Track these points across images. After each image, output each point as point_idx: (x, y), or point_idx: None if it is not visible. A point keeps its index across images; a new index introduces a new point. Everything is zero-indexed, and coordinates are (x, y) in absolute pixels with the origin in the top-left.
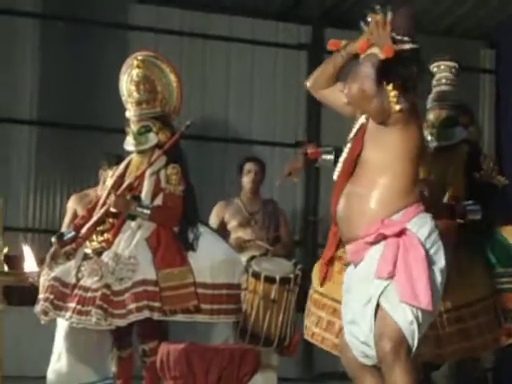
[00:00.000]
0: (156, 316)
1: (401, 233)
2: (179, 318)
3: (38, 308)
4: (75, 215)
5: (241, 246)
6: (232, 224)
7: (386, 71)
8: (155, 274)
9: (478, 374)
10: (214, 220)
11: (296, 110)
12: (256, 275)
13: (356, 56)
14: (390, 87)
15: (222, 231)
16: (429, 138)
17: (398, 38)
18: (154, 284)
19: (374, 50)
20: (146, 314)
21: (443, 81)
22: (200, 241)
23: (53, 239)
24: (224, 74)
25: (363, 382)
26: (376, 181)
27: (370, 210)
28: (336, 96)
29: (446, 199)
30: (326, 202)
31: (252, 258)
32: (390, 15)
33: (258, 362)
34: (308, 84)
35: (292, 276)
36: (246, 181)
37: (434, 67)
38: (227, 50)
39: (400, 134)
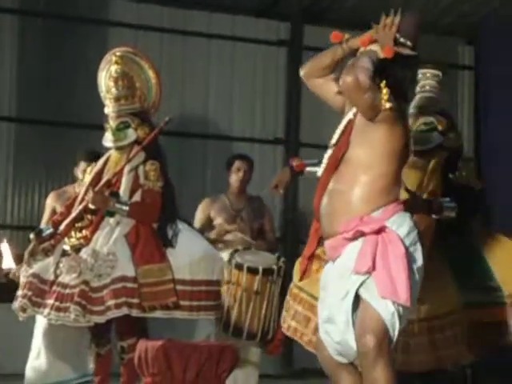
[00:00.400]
0: (135, 312)
1: (380, 230)
2: (158, 314)
3: (16, 305)
4: (54, 212)
5: (220, 234)
6: (218, 221)
7: (382, 69)
8: (134, 270)
9: (457, 370)
10: (200, 216)
11: (275, 107)
12: (239, 267)
13: (356, 51)
14: (383, 85)
15: (208, 227)
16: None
17: (402, 40)
18: (133, 280)
19: (375, 47)
20: (124, 310)
21: (427, 88)
22: (179, 237)
23: (31, 236)
24: (204, 70)
25: (340, 379)
26: (358, 178)
27: (351, 207)
28: (328, 86)
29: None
30: (304, 199)
31: (235, 250)
32: (398, 18)
33: (237, 358)
34: (302, 71)
35: (275, 267)
36: (235, 179)
37: (419, 74)
38: (207, 46)
39: (387, 132)
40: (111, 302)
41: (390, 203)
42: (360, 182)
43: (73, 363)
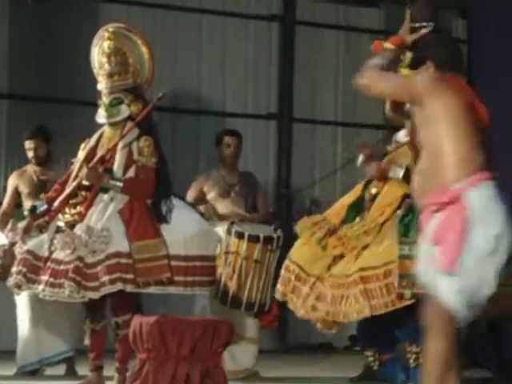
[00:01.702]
0: (129, 288)
1: (456, 200)
2: (152, 290)
3: (10, 281)
4: (16, 192)
5: (208, 213)
6: (211, 195)
7: (420, 55)
8: (128, 246)
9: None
10: (192, 192)
11: (268, 82)
12: (240, 235)
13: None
14: (404, 68)
15: (201, 202)
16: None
17: (417, 25)
18: (127, 256)
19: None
20: (119, 286)
21: None
22: (173, 213)
23: (25, 212)
24: (196, 45)
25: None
26: (433, 156)
27: (434, 182)
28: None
29: None
30: (298, 174)
31: (232, 222)
32: (408, 11)
33: (232, 334)
34: (363, 82)
35: (275, 236)
36: (225, 154)
37: None
38: (199, 21)
39: (436, 105)
40: (105, 278)
41: (471, 173)
42: (437, 157)
43: (64, 336)
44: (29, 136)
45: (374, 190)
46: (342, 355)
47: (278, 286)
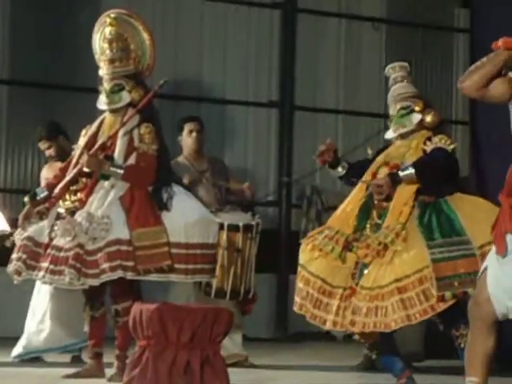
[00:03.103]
0: (129, 275)
1: None
2: (153, 277)
3: (10, 268)
4: None
5: None
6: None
7: None
8: (129, 233)
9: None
10: None
11: (270, 70)
12: (219, 226)
13: None
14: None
15: None
16: (389, 131)
17: None
18: (128, 243)
19: None
20: (119, 273)
21: (399, 79)
22: (174, 200)
23: (25, 199)
24: (197, 32)
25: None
26: None
27: None
28: (500, 89)
29: None
30: (299, 162)
31: (210, 212)
32: None
33: (231, 322)
34: (464, 84)
35: (254, 223)
36: (190, 141)
37: (388, 69)
38: (200, 8)
39: None
40: (106, 265)
41: None
42: None
43: (76, 328)
44: (38, 138)
45: None
46: (342, 344)
47: (296, 298)
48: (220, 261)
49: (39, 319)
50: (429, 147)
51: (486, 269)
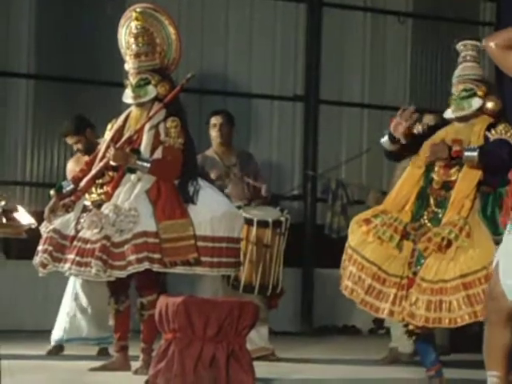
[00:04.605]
0: (156, 268)
1: None
2: (179, 270)
3: (36, 260)
4: None
5: None
6: (211, 177)
7: None
8: (155, 225)
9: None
10: None
11: (295, 63)
12: (248, 221)
13: None
14: None
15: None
16: (448, 110)
17: None
18: (155, 236)
19: None
20: (145, 265)
21: (468, 58)
22: (200, 194)
23: (51, 192)
24: (223, 27)
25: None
26: None
27: None
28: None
29: None
30: (324, 156)
31: (238, 207)
32: None
33: (257, 315)
34: (492, 42)
35: (283, 219)
36: (213, 135)
37: (460, 46)
38: (226, 2)
39: None
40: (132, 257)
41: None
42: None
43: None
44: (65, 133)
45: (442, 178)
46: (367, 338)
47: (347, 282)
48: (249, 256)
49: (72, 313)
50: (493, 136)
51: (497, 264)
